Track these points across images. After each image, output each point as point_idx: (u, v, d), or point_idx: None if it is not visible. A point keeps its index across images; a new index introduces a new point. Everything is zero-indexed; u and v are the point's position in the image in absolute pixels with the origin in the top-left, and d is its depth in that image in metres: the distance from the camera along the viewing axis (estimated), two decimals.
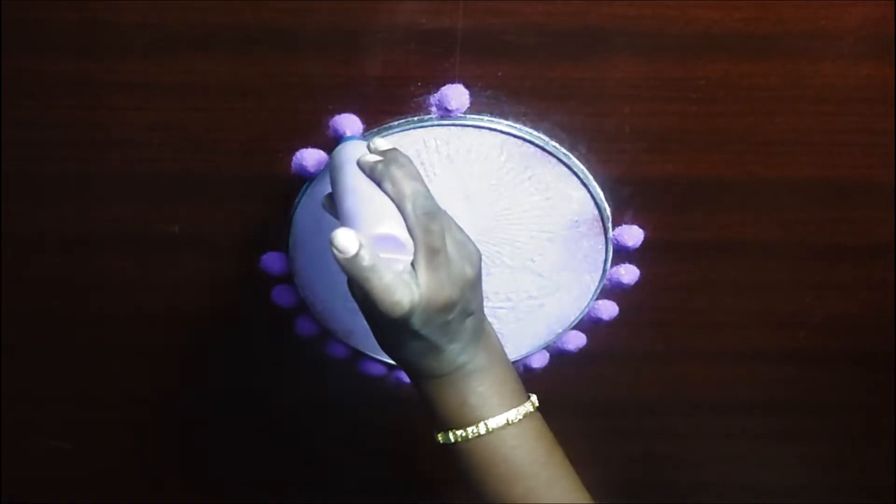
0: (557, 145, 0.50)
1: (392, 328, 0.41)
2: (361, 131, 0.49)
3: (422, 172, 0.50)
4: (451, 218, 0.42)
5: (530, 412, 0.45)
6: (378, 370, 0.61)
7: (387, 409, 0.65)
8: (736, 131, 0.50)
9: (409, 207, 0.39)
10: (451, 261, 0.40)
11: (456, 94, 0.48)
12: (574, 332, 0.59)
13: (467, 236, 0.42)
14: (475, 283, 0.42)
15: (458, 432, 0.44)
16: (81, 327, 0.60)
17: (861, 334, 0.61)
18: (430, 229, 0.39)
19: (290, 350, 0.60)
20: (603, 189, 0.52)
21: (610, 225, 0.53)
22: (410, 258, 0.39)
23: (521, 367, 0.61)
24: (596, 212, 0.52)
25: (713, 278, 0.57)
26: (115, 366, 0.62)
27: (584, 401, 0.65)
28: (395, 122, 0.49)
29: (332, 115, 0.49)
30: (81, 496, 0.71)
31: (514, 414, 0.44)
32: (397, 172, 0.40)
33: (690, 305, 0.59)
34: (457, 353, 0.43)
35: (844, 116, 0.50)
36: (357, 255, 0.36)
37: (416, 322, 0.40)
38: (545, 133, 0.50)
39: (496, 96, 0.48)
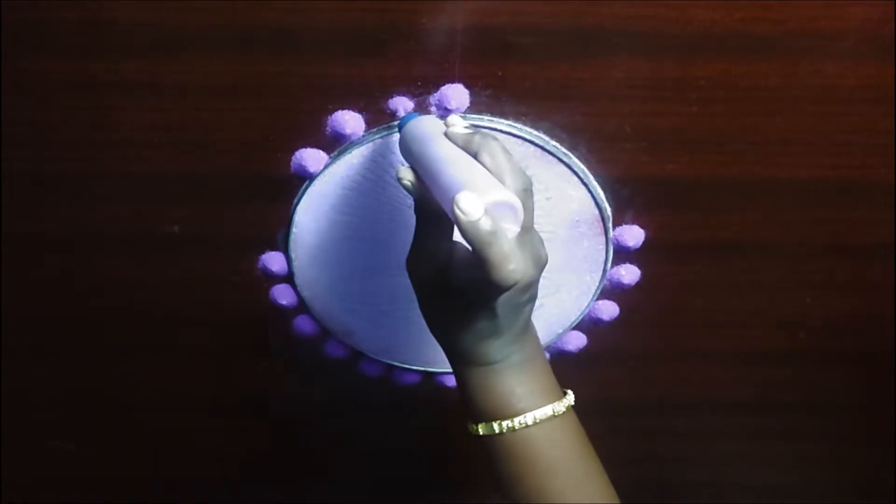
0: (558, 145, 0.50)
1: (487, 301, 0.41)
2: (363, 129, 0.49)
3: None
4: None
5: (571, 405, 0.45)
6: (377, 370, 0.61)
7: (386, 408, 0.65)
8: (736, 131, 0.50)
9: (508, 180, 0.39)
10: (535, 240, 0.40)
11: (456, 94, 0.48)
12: (574, 332, 0.59)
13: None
14: (543, 271, 0.42)
15: (505, 423, 0.43)
16: (81, 327, 0.60)
17: (861, 334, 0.61)
18: (527, 206, 0.39)
19: (289, 350, 0.60)
20: (603, 189, 0.52)
21: (610, 225, 0.53)
22: (519, 229, 0.38)
23: None
24: (596, 212, 0.52)
25: (713, 278, 0.57)
26: (115, 366, 0.62)
27: (583, 401, 0.65)
28: (395, 122, 0.49)
29: (332, 115, 0.49)
30: (81, 496, 0.71)
31: (559, 407, 0.44)
32: (495, 145, 0.39)
33: (690, 305, 0.59)
34: (511, 340, 0.44)
35: (844, 116, 0.50)
36: (481, 218, 0.36)
37: (502, 297, 0.40)
38: (545, 133, 0.50)
39: (496, 96, 0.48)
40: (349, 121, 0.48)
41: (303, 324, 0.58)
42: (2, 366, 0.62)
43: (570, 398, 0.46)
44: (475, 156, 0.39)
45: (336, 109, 0.49)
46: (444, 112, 0.48)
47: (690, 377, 0.64)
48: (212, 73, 0.47)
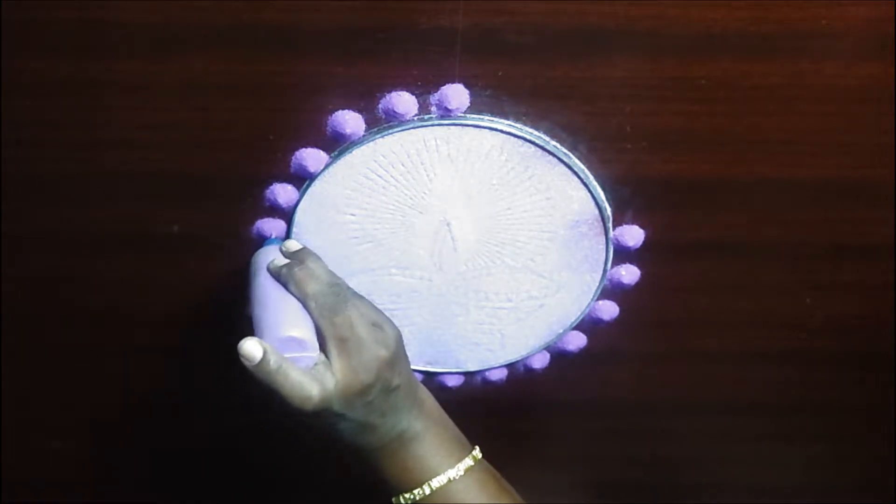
0: (558, 145, 0.50)
1: (318, 419, 0.44)
2: (363, 129, 0.49)
3: (422, 172, 0.51)
4: (367, 303, 0.46)
5: (471, 466, 0.48)
6: None
7: None
8: (736, 131, 0.50)
9: (311, 305, 0.44)
10: (362, 346, 0.43)
11: (456, 94, 0.48)
12: (575, 332, 0.59)
13: (385, 318, 0.46)
14: (393, 362, 0.45)
15: (406, 496, 0.47)
16: (81, 327, 0.60)
17: (861, 335, 0.61)
18: (335, 322, 0.43)
19: None
20: (603, 189, 0.52)
21: (610, 225, 0.53)
22: (315, 354, 0.42)
23: (522, 368, 0.61)
24: (596, 212, 0.52)
25: (713, 278, 0.57)
26: (115, 366, 0.62)
27: (584, 401, 0.65)
28: (396, 122, 0.49)
29: (332, 115, 0.49)
30: (81, 496, 0.71)
31: (455, 472, 0.47)
32: (299, 273, 0.44)
33: (691, 305, 0.59)
34: (391, 424, 0.46)
35: (845, 116, 0.50)
36: (262, 360, 0.40)
37: (339, 407, 0.44)
38: (545, 133, 0.50)
39: (496, 96, 0.48)
40: (349, 121, 0.48)
41: None
42: (2, 366, 0.62)
43: (470, 459, 0.48)
44: (286, 287, 0.44)
45: (336, 109, 0.49)
46: (445, 112, 0.48)
47: (690, 378, 0.64)
48: (212, 73, 0.47)
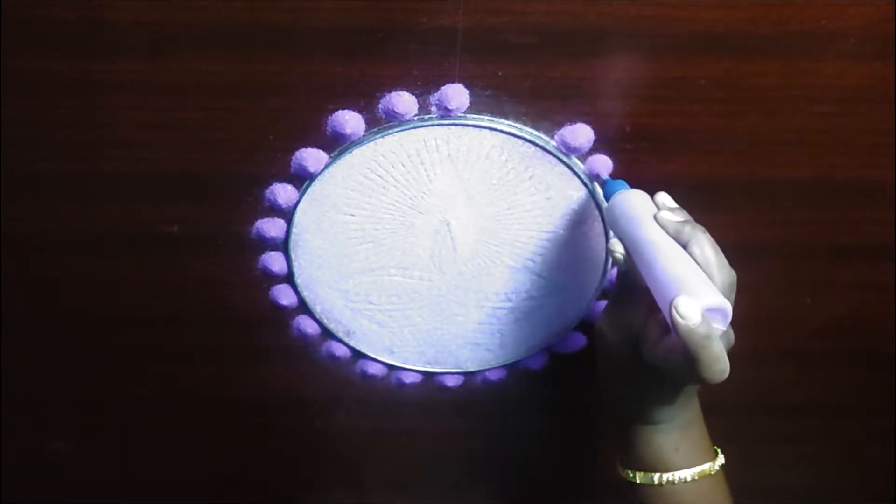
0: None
1: (664, 381, 0.45)
2: (363, 129, 0.49)
3: (422, 172, 0.51)
4: None
5: (723, 464, 0.49)
6: (378, 370, 0.61)
7: (387, 409, 0.65)
8: (736, 131, 0.50)
9: (716, 275, 0.41)
10: (729, 330, 0.43)
11: (456, 94, 0.48)
12: (574, 332, 0.59)
13: None
14: None
15: (665, 476, 0.48)
16: (81, 327, 0.60)
17: (861, 335, 0.61)
18: (731, 300, 0.41)
19: (289, 350, 0.60)
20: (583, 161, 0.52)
21: None
22: (725, 328, 0.40)
23: (522, 368, 0.61)
24: (596, 212, 0.52)
25: None
26: (115, 366, 0.62)
27: (584, 402, 0.65)
28: (396, 122, 0.49)
29: (332, 115, 0.49)
30: (81, 496, 0.71)
31: (714, 466, 0.49)
32: (704, 237, 0.41)
33: None
34: (680, 405, 0.48)
35: (844, 116, 0.50)
36: (700, 323, 0.38)
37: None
38: (545, 133, 0.50)
39: (496, 96, 0.48)
40: (349, 121, 0.48)
41: (303, 324, 0.58)
42: (2, 366, 0.62)
43: (721, 458, 0.50)
44: (684, 246, 0.41)
45: (336, 109, 0.49)
46: (445, 112, 0.48)
47: None
48: (212, 73, 0.47)
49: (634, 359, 0.46)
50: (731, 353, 0.62)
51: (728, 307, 0.39)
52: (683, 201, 0.53)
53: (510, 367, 0.61)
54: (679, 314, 0.38)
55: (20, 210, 0.53)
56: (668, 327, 0.42)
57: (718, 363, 0.39)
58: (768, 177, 0.52)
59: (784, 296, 0.59)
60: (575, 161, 0.51)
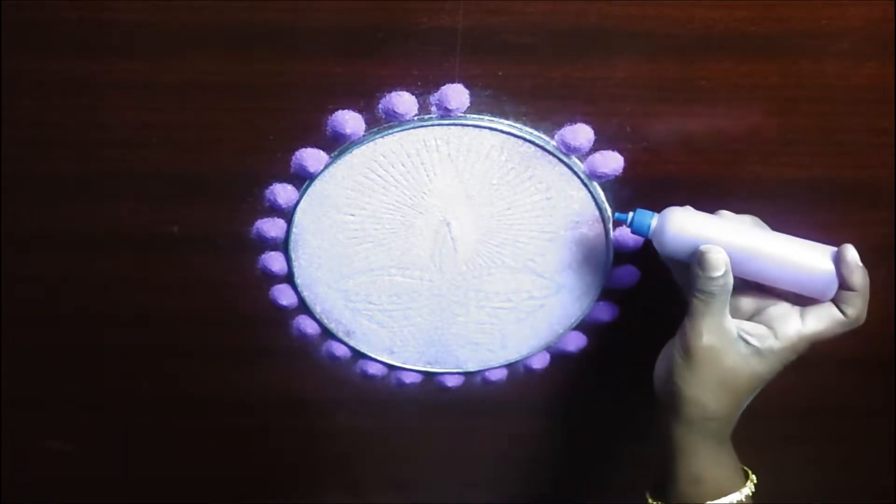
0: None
1: (764, 378, 0.47)
2: (363, 129, 0.49)
3: (422, 172, 0.51)
4: None
5: (748, 496, 0.50)
6: (378, 370, 0.61)
7: (387, 409, 0.65)
8: (736, 131, 0.50)
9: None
10: None
11: (456, 94, 0.48)
12: (575, 332, 0.59)
13: None
14: None
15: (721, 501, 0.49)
16: (81, 327, 0.60)
17: (861, 335, 0.61)
18: None
19: (290, 350, 0.60)
20: (603, 189, 0.52)
21: (611, 225, 0.53)
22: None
23: (522, 368, 0.61)
24: (597, 212, 0.52)
25: None
26: (115, 366, 0.62)
27: (584, 402, 0.65)
28: (396, 122, 0.49)
29: (332, 115, 0.49)
30: (81, 496, 0.71)
31: (750, 488, 0.50)
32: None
33: None
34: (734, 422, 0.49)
35: (845, 116, 0.50)
36: (725, 272, 0.44)
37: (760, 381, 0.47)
38: (545, 133, 0.50)
39: (496, 96, 0.48)
40: (349, 121, 0.48)
41: (303, 324, 0.58)
42: (2, 366, 0.62)
43: (751, 486, 0.51)
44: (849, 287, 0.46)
45: (336, 109, 0.49)
46: (445, 112, 0.48)
47: None
48: (212, 73, 0.47)
49: (720, 364, 0.46)
50: None
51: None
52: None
53: (510, 367, 0.61)
54: (851, 258, 0.44)
55: (20, 210, 0.53)
56: (791, 309, 0.46)
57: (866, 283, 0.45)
58: (768, 177, 0.52)
59: None
60: (575, 161, 0.51)
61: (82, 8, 0.45)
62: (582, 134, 0.49)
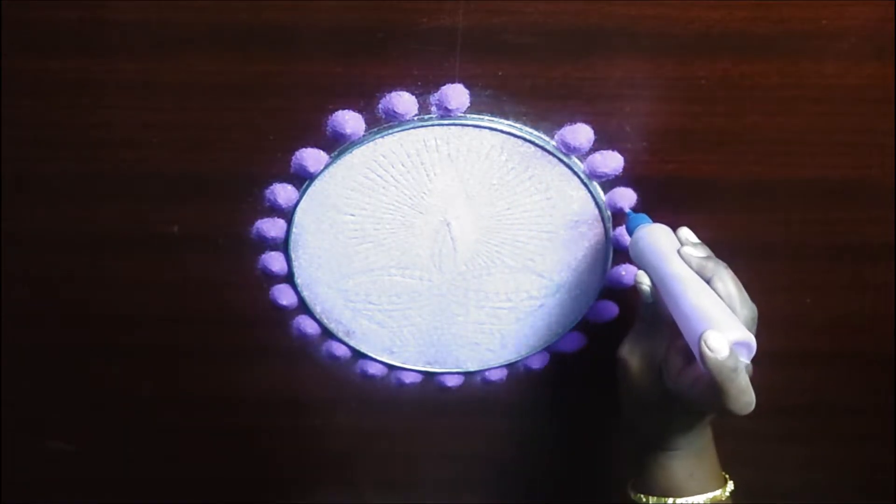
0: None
1: (685, 410, 0.47)
2: (363, 129, 0.49)
3: (422, 172, 0.51)
4: None
5: (732, 490, 0.51)
6: (378, 370, 0.61)
7: (387, 409, 0.65)
8: (736, 131, 0.50)
9: (739, 309, 0.42)
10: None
11: (456, 94, 0.48)
12: (575, 332, 0.59)
13: None
14: None
15: (679, 501, 0.50)
16: (81, 327, 0.60)
17: (861, 335, 0.61)
18: (753, 333, 0.42)
19: (290, 350, 0.60)
20: (603, 189, 0.52)
21: (610, 225, 0.53)
22: (749, 361, 0.41)
23: (522, 368, 0.61)
24: (596, 212, 0.52)
25: None
26: (115, 366, 0.62)
27: (584, 402, 0.65)
28: (396, 122, 0.49)
29: (332, 115, 0.49)
30: (81, 496, 0.71)
31: (724, 492, 0.50)
32: (726, 272, 0.43)
33: None
34: (697, 432, 0.49)
35: (845, 116, 0.50)
36: (726, 357, 0.39)
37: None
38: (545, 133, 0.50)
39: (496, 96, 0.48)
40: (349, 121, 0.48)
41: (303, 324, 0.58)
42: (2, 366, 0.62)
43: (731, 485, 0.52)
44: (707, 281, 0.43)
45: (336, 109, 0.49)
46: (445, 112, 0.48)
47: None
48: (212, 73, 0.47)
49: (656, 387, 0.47)
50: None
51: (753, 341, 0.40)
52: (684, 201, 0.53)
53: (510, 367, 0.61)
54: (709, 348, 0.39)
55: (20, 210, 0.53)
56: (691, 357, 0.43)
57: (745, 395, 0.40)
58: (768, 177, 0.52)
59: (784, 296, 0.58)
60: (575, 161, 0.51)
61: (82, 8, 0.45)
62: (582, 134, 0.49)
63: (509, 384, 0.62)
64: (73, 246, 0.55)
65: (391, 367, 0.61)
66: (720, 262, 0.44)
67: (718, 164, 0.52)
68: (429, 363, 0.60)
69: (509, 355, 0.60)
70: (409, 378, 0.61)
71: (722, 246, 0.56)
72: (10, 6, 0.45)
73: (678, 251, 0.45)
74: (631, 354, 0.49)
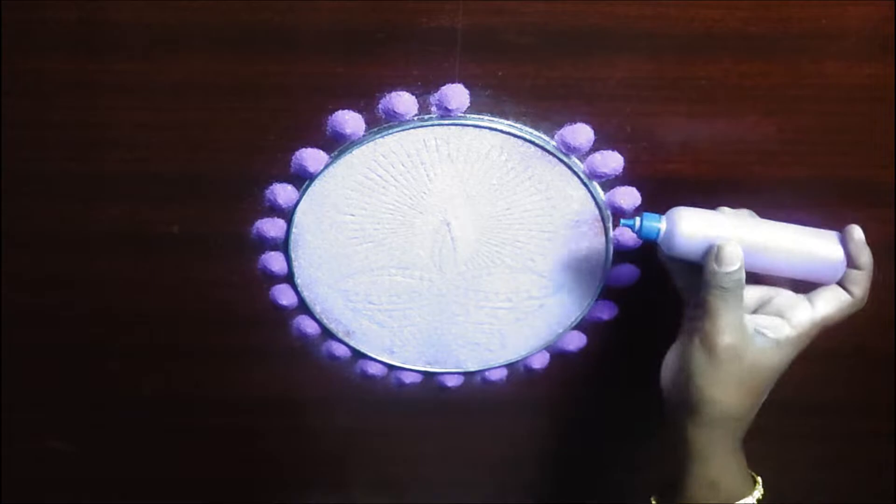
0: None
1: (766, 380, 0.47)
2: (363, 129, 0.49)
3: (422, 172, 0.51)
4: None
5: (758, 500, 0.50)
6: (378, 370, 0.61)
7: (387, 409, 0.65)
8: (736, 131, 0.50)
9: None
10: None
11: (456, 94, 0.48)
12: (575, 332, 0.59)
13: None
14: None
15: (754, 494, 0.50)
16: (81, 327, 0.60)
17: (861, 334, 0.61)
18: None
19: (290, 350, 0.60)
20: (603, 189, 0.52)
21: (610, 225, 0.53)
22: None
23: (522, 368, 0.61)
24: (596, 212, 0.52)
25: None
26: (115, 366, 0.62)
27: (584, 402, 0.65)
28: (396, 122, 0.49)
29: (332, 115, 0.49)
30: (81, 497, 0.71)
31: (760, 491, 0.50)
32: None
33: None
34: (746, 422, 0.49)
35: (845, 116, 0.50)
36: (738, 268, 0.44)
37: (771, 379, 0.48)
38: (545, 133, 0.50)
39: (496, 96, 0.48)
40: (349, 121, 0.48)
41: (303, 324, 0.58)
42: (2, 366, 0.62)
43: (760, 491, 0.51)
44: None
45: (336, 109, 0.49)
46: (445, 112, 0.48)
47: None
48: (212, 73, 0.47)
49: (738, 361, 0.46)
50: None
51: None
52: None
53: (510, 367, 0.61)
54: (858, 237, 0.45)
55: (20, 209, 0.53)
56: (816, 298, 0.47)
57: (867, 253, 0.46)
58: (768, 177, 0.52)
59: None
60: (575, 161, 0.51)
61: (82, 8, 0.45)
62: (582, 134, 0.49)
63: (509, 384, 0.62)
64: (73, 246, 0.55)
65: (391, 367, 0.61)
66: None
67: (718, 164, 0.52)
68: (429, 363, 0.60)
69: (509, 355, 0.60)
70: (409, 378, 0.61)
71: None
72: (10, 6, 0.45)
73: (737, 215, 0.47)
74: (734, 337, 0.45)
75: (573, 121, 0.49)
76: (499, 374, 0.61)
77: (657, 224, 0.45)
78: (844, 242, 0.46)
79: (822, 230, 0.47)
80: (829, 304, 0.46)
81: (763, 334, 0.45)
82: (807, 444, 0.69)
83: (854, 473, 0.72)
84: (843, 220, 0.54)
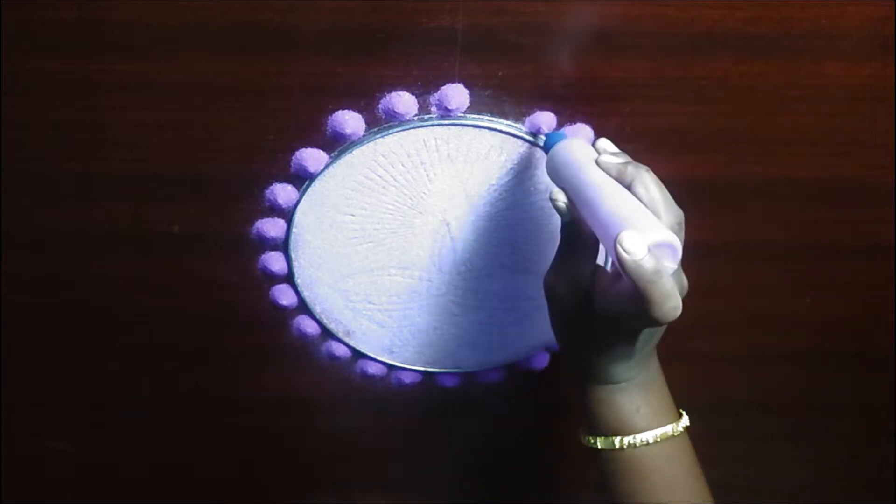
0: None
1: (619, 331, 0.43)
2: (363, 129, 0.49)
3: (422, 172, 0.51)
4: None
5: (687, 426, 0.47)
6: (378, 370, 0.61)
7: (387, 409, 0.65)
8: (736, 131, 0.50)
9: (663, 214, 0.39)
10: (681, 271, 0.41)
11: (456, 94, 0.48)
12: None
13: None
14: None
15: (626, 439, 0.45)
16: (81, 327, 0.60)
17: (861, 334, 0.61)
18: (681, 238, 0.39)
19: (290, 350, 0.60)
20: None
21: None
22: (676, 265, 0.38)
23: (522, 368, 0.61)
24: None
25: (712, 279, 0.57)
26: (115, 366, 0.62)
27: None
28: (396, 122, 0.49)
29: (332, 115, 0.49)
30: (81, 497, 0.71)
31: (678, 427, 0.46)
32: (648, 176, 0.40)
33: (690, 306, 0.58)
34: (639, 362, 0.45)
35: (845, 116, 0.50)
36: (644, 258, 0.36)
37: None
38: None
39: (496, 96, 0.48)
40: (349, 121, 0.48)
41: (303, 324, 0.58)
42: (2, 366, 0.62)
43: (685, 420, 0.47)
44: (628, 187, 0.40)
45: (336, 109, 0.49)
46: (445, 112, 0.48)
47: (690, 378, 0.63)
48: (212, 73, 0.47)
49: (587, 311, 0.43)
50: (731, 352, 0.62)
51: (677, 243, 0.37)
52: (684, 201, 0.53)
53: (510, 367, 0.61)
54: (624, 249, 0.36)
55: (21, 209, 0.53)
56: (618, 273, 0.40)
57: (669, 300, 0.37)
58: (768, 177, 0.52)
59: (784, 296, 0.59)
60: None
61: (82, 8, 0.45)
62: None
63: (509, 384, 0.62)
64: (73, 246, 0.55)
65: (391, 367, 0.61)
66: (641, 165, 0.41)
67: (718, 164, 0.52)
68: (428, 363, 0.60)
69: (509, 355, 0.60)
70: (408, 378, 0.61)
71: (722, 246, 0.56)
72: (10, 6, 0.45)
73: (595, 160, 0.42)
74: (557, 280, 0.45)
75: (573, 121, 0.49)
76: (498, 375, 0.61)
77: (555, 141, 0.46)
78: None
79: (650, 216, 0.39)
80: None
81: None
82: (806, 445, 0.69)
83: (854, 473, 0.72)
84: (844, 220, 0.55)
